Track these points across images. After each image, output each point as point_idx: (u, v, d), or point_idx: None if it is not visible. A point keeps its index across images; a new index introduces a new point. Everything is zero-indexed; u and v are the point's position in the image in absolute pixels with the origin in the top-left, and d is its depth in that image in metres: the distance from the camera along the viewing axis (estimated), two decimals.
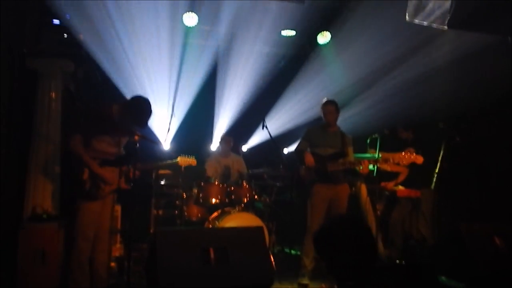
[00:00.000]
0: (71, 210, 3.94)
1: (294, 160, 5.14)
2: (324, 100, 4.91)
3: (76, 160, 3.72)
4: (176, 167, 5.73)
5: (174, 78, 6.30)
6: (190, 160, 4.94)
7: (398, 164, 4.82)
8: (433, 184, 4.94)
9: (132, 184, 3.94)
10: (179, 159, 4.89)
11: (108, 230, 4.04)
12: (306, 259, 4.74)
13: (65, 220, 4.26)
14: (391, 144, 5.29)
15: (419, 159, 4.57)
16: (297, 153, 4.90)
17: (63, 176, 4.57)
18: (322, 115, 4.87)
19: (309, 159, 4.71)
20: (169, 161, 4.97)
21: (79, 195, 3.79)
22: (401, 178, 5.39)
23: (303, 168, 4.78)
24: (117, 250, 5.15)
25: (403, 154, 4.59)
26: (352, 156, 4.75)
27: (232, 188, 5.34)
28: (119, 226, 5.25)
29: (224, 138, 6.22)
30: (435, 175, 4.88)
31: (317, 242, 2.01)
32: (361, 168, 4.62)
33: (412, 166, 5.31)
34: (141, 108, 3.86)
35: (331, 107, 4.82)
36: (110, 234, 4.13)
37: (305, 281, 4.63)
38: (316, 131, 4.92)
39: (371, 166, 4.77)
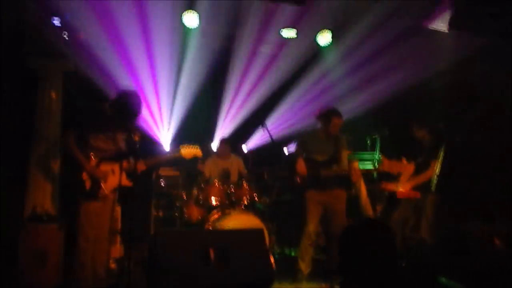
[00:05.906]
0: (72, 210, 3.95)
1: (292, 161, 5.12)
2: (330, 109, 4.77)
3: (74, 160, 3.75)
4: (176, 167, 5.74)
5: (175, 78, 6.30)
6: (195, 151, 4.43)
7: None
8: (433, 185, 4.93)
9: (133, 181, 3.95)
10: (182, 150, 4.39)
11: (108, 231, 4.05)
12: (302, 263, 4.69)
13: (65, 220, 4.26)
14: (404, 144, 5.17)
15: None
16: (293, 159, 4.84)
17: (64, 177, 4.58)
18: (322, 124, 4.74)
19: (300, 167, 4.66)
20: (171, 154, 4.74)
21: (80, 195, 3.81)
22: (404, 177, 5.35)
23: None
24: (117, 250, 5.14)
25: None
26: (346, 159, 4.63)
27: (232, 189, 5.31)
28: (119, 227, 5.24)
29: (221, 143, 6.13)
30: (435, 176, 4.86)
31: (342, 242, 2.05)
32: (353, 176, 4.55)
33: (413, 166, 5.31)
34: (127, 102, 3.92)
35: (339, 120, 4.69)
36: (110, 235, 4.14)
37: (303, 285, 4.58)
38: (311, 136, 4.88)
39: (370, 167, 4.73)
